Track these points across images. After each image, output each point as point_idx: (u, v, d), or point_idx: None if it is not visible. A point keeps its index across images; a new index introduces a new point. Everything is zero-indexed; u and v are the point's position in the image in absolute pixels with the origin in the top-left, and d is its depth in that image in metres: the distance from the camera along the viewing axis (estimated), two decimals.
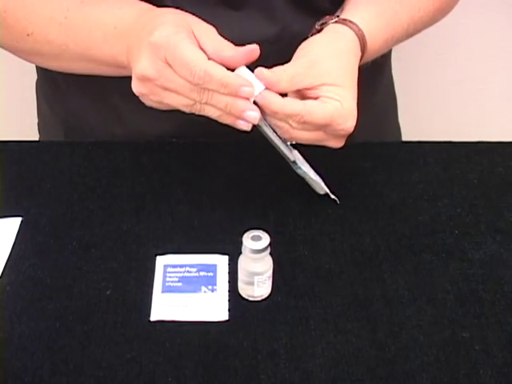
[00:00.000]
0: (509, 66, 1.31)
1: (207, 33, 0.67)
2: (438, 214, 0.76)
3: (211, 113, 0.67)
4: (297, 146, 0.72)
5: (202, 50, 0.66)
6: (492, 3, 1.20)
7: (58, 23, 0.74)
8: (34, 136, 1.00)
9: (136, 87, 0.68)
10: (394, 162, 0.84)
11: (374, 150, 0.85)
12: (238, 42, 0.77)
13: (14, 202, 0.77)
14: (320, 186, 0.75)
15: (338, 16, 0.75)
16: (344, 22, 0.74)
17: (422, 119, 1.35)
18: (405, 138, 1.02)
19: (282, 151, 0.71)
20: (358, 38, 0.73)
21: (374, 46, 0.76)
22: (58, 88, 0.91)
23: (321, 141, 0.69)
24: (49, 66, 0.81)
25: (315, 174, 0.74)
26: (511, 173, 0.82)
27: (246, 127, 0.66)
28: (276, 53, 0.79)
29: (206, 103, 0.66)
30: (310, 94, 0.69)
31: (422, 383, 0.59)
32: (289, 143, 0.71)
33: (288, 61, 0.80)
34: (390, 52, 0.95)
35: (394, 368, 0.60)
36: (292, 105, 0.66)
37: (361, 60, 0.74)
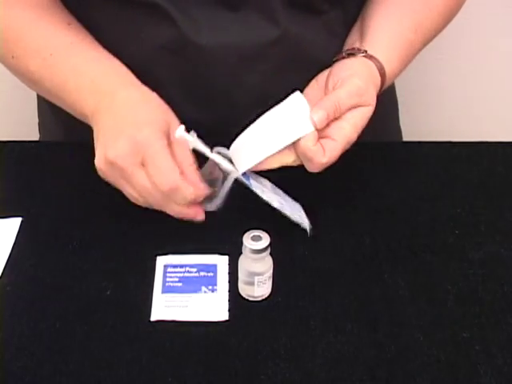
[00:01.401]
0: (509, 66, 1.31)
1: (181, 145, 0.69)
2: (437, 214, 0.76)
3: (159, 209, 0.70)
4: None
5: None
6: (492, 3, 1.20)
7: (42, 58, 0.74)
8: (34, 136, 1.00)
9: (99, 164, 0.68)
10: (393, 161, 0.84)
11: (374, 150, 0.85)
12: (238, 44, 0.77)
13: (14, 202, 0.77)
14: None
15: (365, 50, 0.77)
16: (371, 58, 0.76)
17: (422, 119, 1.35)
18: (405, 138, 1.02)
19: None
20: (380, 75, 0.76)
21: (389, 82, 0.79)
22: None
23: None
24: (28, 86, 0.81)
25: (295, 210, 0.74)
26: (511, 173, 0.82)
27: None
28: (275, 54, 0.79)
29: (160, 207, 0.69)
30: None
31: (421, 383, 0.59)
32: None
33: (287, 62, 0.80)
34: None
35: (394, 368, 0.60)
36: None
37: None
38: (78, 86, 0.73)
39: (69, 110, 0.77)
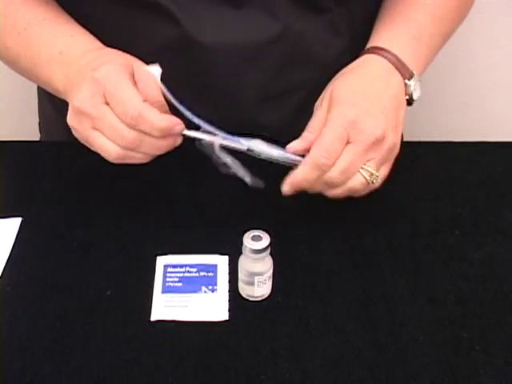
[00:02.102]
0: (509, 66, 1.31)
1: (146, 78, 0.67)
2: (438, 214, 0.76)
3: (137, 157, 0.67)
4: None
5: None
6: (492, 3, 1.20)
7: (17, 32, 0.74)
8: (34, 136, 1.00)
9: (69, 119, 0.67)
10: (393, 161, 0.84)
11: None
12: (241, 42, 0.77)
13: (14, 202, 0.77)
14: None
15: (371, 47, 0.76)
16: (373, 50, 0.75)
17: (422, 119, 1.35)
18: (405, 138, 1.02)
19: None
20: (391, 62, 0.74)
21: (421, 69, 0.77)
22: None
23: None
24: (12, 69, 0.81)
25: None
26: (511, 173, 0.82)
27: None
28: (278, 52, 0.79)
29: (133, 149, 0.66)
30: None
31: (421, 383, 0.59)
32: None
33: (290, 60, 0.80)
34: None
35: (394, 368, 0.60)
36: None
37: (407, 78, 0.74)
38: (48, 60, 0.72)
39: (45, 87, 0.76)
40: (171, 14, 0.75)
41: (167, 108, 0.67)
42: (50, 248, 0.71)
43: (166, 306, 0.65)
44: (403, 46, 0.75)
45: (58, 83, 0.72)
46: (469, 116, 1.37)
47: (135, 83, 0.66)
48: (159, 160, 0.82)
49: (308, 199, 0.76)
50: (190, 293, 0.67)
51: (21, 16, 0.75)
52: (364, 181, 0.68)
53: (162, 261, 0.70)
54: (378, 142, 0.68)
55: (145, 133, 0.65)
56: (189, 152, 0.83)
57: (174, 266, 0.69)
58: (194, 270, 0.69)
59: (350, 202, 0.76)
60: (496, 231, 0.74)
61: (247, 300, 0.66)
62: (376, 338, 0.63)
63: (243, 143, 0.68)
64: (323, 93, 0.73)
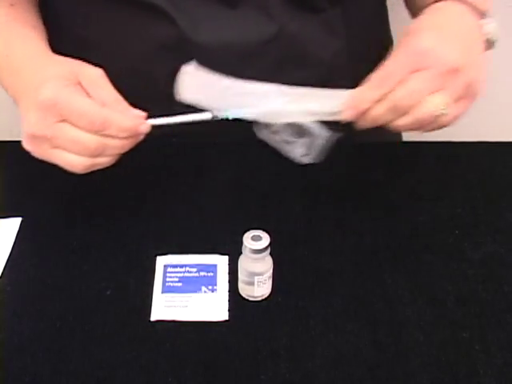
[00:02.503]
0: (509, 66, 1.31)
1: (95, 81, 0.66)
2: (438, 214, 0.76)
3: (103, 162, 0.66)
4: None
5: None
6: (492, 3, 1.20)
7: None
8: None
9: (25, 144, 0.67)
10: (394, 162, 0.84)
11: (374, 150, 0.85)
12: (236, 41, 0.77)
13: (14, 202, 0.77)
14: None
15: None
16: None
17: None
18: (405, 138, 1.02)
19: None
20: (462, 3, 0.70)
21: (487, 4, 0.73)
22: None
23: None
24: None
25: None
26: (511, 173, 0.82)
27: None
28: (274, 52, 0.79)
29: (99, 155, 0.65)
30: None
31: (421, 383, 0.59)
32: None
33: (286, 60, 0.80)
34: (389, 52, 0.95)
35: (394, 368, 0.60)
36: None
37: (482, 18, 0.70)
38: (0, 65, 0.72)
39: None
40: (167, 13, 0.75)
41: (126, 103, 0.66)
42: (50, 248, 0.71)
43: (165, 306, 0.65)
44: None
45: (11, 92, 0.71)
46: (469, 116, 1.36)
47: (84, 89, 0.65)
48: (159, 160, 0.82)
49: (308, 199, 0.76)
50: (189, 293, 0.67)
51: None
52: (432, 110, 0.64)
53: (161, 261, 0.70)
54: (453, 71, 0.64)
55: (110, 136, 0.64)
56: (189, 152, 0.84)
57: (174, 266, 0.69)
58: (194, 269, 0.69)
59: (350, 202, 0.77)
60: (496, 231, 0.74)
61: (247, 300, 0.66)
62: (376, 338, 0.63)
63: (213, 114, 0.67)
64: (398, 44, 0.68)
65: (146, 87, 0.82)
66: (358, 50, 0.83)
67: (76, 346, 0.62)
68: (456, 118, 0.66)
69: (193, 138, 0.84)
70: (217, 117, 0.67)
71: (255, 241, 0.63)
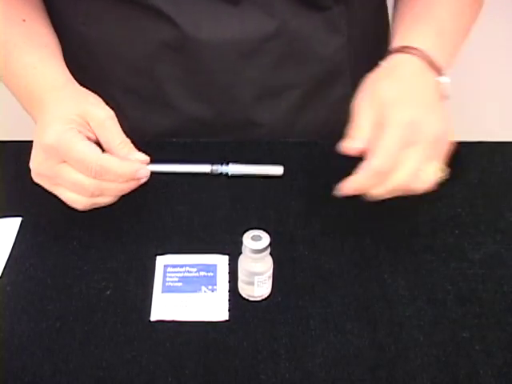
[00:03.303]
0: (509, 66, 1.31)
1: (102, 123, 0.67)
2: (437, 214, 0.76)
3: (104, 202, 0.68)
4: None
5: (98, 140, 0.67)
6: (492, 3, 1.20)
7: None
8: None
9: (33, 177, 0.69)
10: None
11: None
12: (238, 39, 0.77)
13: (14, 202, 0.77)
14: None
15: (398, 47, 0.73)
16: (404, 50, 0.72)
17: None
18: None
19: None
20: (424, 59, 0.71)
21: (445, 60, 0.74)
22: None
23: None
24: None
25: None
26: (511, 173, 0.82)
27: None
28: (275, 49, 0.79)
29: (100, 195, 0.67)
30: None
31: (421, 383, 0.59)
32: None
33: (287, 57, 0.80)
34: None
35: (394, 368, 0.60)
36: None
37: (439, 75, 0.72)
38: (18, 91, 0.73)
39: None
40: (165, 14, 0.75)
41: (131, 145, 0.68)
42: (50, 248, 0.71)
43: (165, 306, 0.65)
44: (431, 43, 0.73)
45: (33, 118, 0.72)
46: (469, 116, 1.37)
47: (92, 130, 0.67)
48: (159, 160, 0.82)
49: (308, 199, 0.76)
50: (189, 293, 0.67)
51: None
52: (433, 179, 0.66)
53: (161, 261, 0.70)
54: (440, 139, 0.66)
55: (108, 180, 0.66)
56: (189, 151, 0.84)
57: (174, 266, 0.69)
58: (194, 269, 0.69)
59: (350, 201, 0.76)
60: (496, 231, 0.74)
61: (247, 300, 0.66)
62: (376, 338, 0.63)
63: (212, 167, 0.69)
64: (360, 94, 0.69)
65: (149, 86, 0.82)
66: (358, 46, 0.83)
67: (76, 346, 0.62)
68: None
69: (193, 137, 0.84)
70: (216, 170, 0.71)
71: (255, 241, 0.63)
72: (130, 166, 0.66)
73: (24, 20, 0.76)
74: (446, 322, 0.64)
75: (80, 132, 0.66)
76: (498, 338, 0.63)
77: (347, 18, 0.82)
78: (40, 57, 0.74)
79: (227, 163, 0.70)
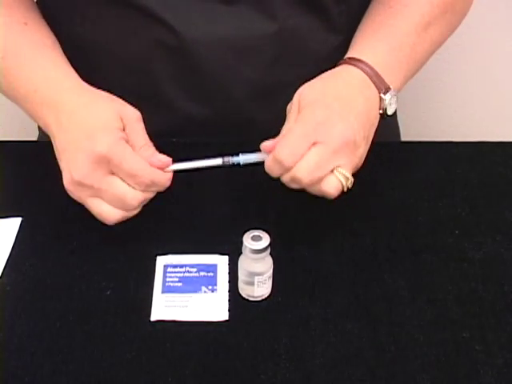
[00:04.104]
0: (509, 66, 1.31)
1: (133, 126, 0.68)
2: (438, 214, 0.76)
3: (132, 215, 0.69)
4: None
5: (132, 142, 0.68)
6: (492, 3, 1.20)
7: None
8: (34, 136, 1.00)
9: (68, 186, 0.67)
10: (394, 161, 0.84)
11: (374, 149, 0.85)
12: (233, 38, 0.77)
13: (14, 202, 0.77)
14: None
15: (348, 58, 0.74)
16: (350, 61, 0.73)
17: (422, 119, 1.35)
18: (405, 138, 1.02)
19: None
20: (367, 74, 0.72)
21: (401, 82, 0.75)
22: None
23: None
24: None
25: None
26: (511, 173, 0.82)
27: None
28: (271, 48, 0.79)
29: (135, 209, 0.68)
30: None
31: (421, 383, 0.59)
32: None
33: (283, 56, 0.80)
34: None
35: (394, 368, 0.60)
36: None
37: (383, 92, 0.72)
38: (26, 96, 0.72)
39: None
40: (158, 15, 0.75)
41: (153, 148, 0.69)
42: (50, 248, 0.71)
43: (165, 306, 0.65)
44: (381, 58, 0.73)
45: (41, 122, 0.72)
46: (469, 116, 1.37)
47: (126, 134, 0.67)
48: None
49: (308, 199, 0.76)
50: (189, 293, 0.67)
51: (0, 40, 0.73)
52: (339, 186, 0.68)
53: (161, 261, 0.70)
54: (349, 145, 0.67)
55: (151, 192, 0.68)
56: (189, 152, 0.84)
57: (174, 266, 0.69)
58: (194, 269, 0.69)
59: (350, 202, 0.76)
60: (496, 231, 0.74)
61: (247, 300, 0.66)
62: (376, 338, 0.63)
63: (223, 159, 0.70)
64: (294, 96, 0.71)
65: (146, 86, 0.82)
66: None
67: (76, 346, 0.62)
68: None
69: (193, 137, 0.84)
70: (228, 162, 0.70)
71: (255, 241, 0.63)
72: (168, 175, 0.68)
73: (26, 23, 0.76)
74: (446, 322, 0.64)
75: (123, 138, 0.66)
76: (498, 338, 0.63)
77: (347, 18, 0.82)
78: (48, 59, 0.74)
79: (237, 154, 0.70)
